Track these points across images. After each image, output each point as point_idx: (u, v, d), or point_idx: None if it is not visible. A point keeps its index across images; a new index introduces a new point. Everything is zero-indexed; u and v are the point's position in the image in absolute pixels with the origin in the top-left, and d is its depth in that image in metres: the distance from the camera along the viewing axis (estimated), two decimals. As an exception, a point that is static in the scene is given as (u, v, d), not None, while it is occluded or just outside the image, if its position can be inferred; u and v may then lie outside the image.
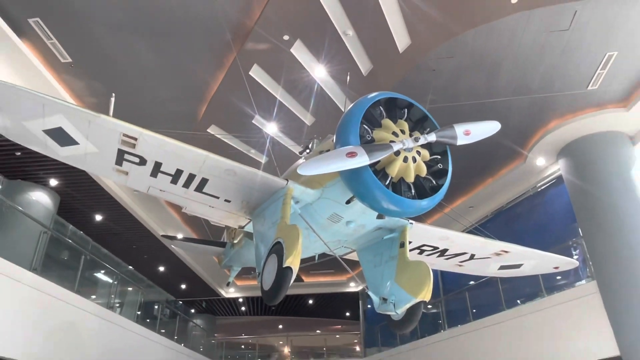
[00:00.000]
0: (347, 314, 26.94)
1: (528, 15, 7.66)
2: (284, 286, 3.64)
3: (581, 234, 10.16)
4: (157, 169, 4.09)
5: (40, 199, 12.24)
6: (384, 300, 4.61)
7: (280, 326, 29.76)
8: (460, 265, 5.99)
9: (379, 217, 4.36)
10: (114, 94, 5.08)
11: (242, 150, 11.39)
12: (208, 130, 10.51)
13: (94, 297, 11.65)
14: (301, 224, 4.17)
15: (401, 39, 8.40)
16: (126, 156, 3.93)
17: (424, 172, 3.80)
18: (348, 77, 8.65)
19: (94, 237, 13.79)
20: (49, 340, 8.58)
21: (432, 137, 3.67)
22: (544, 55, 8.51)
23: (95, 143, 3.81)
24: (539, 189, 12.56)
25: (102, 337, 10.51)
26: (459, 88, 9.32)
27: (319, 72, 9.09)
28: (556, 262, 6.09)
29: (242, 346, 24.61)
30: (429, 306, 14.84)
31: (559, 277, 10.65)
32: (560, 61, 8.61)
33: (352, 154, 3.35)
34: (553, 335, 9.86)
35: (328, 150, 4.22)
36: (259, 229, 4.57)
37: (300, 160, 5.30)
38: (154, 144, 3.84)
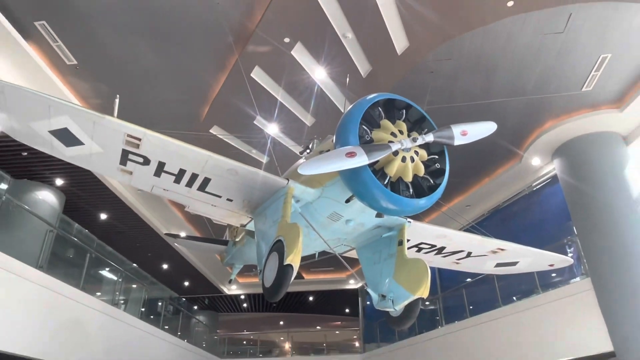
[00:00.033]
0: (347, 310, 26.95)
1: (524, 18, 7.66)
2: (285, 283, 3.64)
3: (576, 232, 10.17)
4: (160, 168, 4.09)
5: (46, 198, 12.24)
6: (383, 297, 4.62)
7: (281, 322, 29.77)
8: (457, 263, 6.00)
9: (378, 215, 4.37)
10: (118, 96, 5.08)
11: (244, 150, 11.39)
12: (210, 130, 10.50)
13: (99, 294, 11.66)
14: (302, 223, 4.16)
15: (399, 41, 8.40)
16: (130, 156, 3.94)
17: (421, 171, 3.80)
18: (347, 79, 8.66)
19: (99, 235, 13.81)
20: (55, 336, 8.59)
21: (429, 138, 3.67)
22: (540, 57, 8.51)
23: (100, 143, 3.81)
24: (535, 188, 12.56)
25: (107, 333, 10.52)
26: (456, 89, 9.32)
27: (319, 73, 9.09)
28: (551, 260, 6.10)
29: (244, 342, 24.60)
30: (427, 303, 14.83)
31: (554, 275, 10.66)
32: (556, 63, 8.61)
33: (351, 154, 3.36)
34: (548, 331, 9.87)
35: (328, 151, 4.22)
36: (261, 228, 4.57)
37: (301, 160, 5.29)
38: (157, 144, 3.84)
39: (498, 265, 6.05)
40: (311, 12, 7.76)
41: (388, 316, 4.81)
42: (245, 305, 26.75)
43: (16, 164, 11.19)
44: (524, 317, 10.57)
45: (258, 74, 9.18)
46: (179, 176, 4.20)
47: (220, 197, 4.53)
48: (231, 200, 4.60)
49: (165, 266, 19.67)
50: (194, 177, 4.21)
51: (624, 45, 8.16)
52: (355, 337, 22.45)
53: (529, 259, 5.96)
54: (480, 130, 3.90)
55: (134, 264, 15.23)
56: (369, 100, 3.82)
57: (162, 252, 17.49)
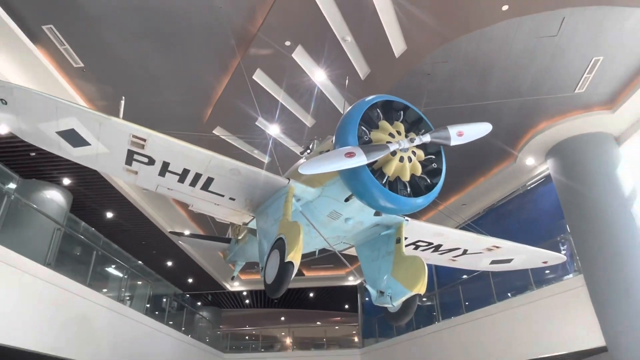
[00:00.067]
0: (346, 306, 26.94)
1: (518, 21, 7.66)
2: (286, 280, 3.65)
3: (569, 230, 10.17)
4: (165, 168, 4.09)
5: (54, 198, 12.24)
6: (381, 293, 4.62)
7: (283, 318, 29.76)
8: (453, 260, 6.00)
9: (377, 214, 4.37)
10: (123, 97, 5.07)
11: (246, 150, 11.39)
12: (213, 131, 10.50)
13: (105, 290, 11.65)
14: (302, 221, 4.17)
15: (397, 45, 8.40)
16: (135, 156, 3.94)
17: (419, 171, 3.80)
18: (347, 81, 8.67)
19: (105, 233, 13.84)
20: (63, 331, 8.60)
21: (426, 138, 3.67)
22: (534, 59, 8.50)
23: (106, 144, 3.81)
24: (529, 188, 12.56)
25: (113, 329, 10.52)
26: (453, 91, 9.32)
27: (319, 76, 9.08)
28: (545, 257, 6.10)
29: (246, 337, 24.59)
30: (424, 299, 14.85)
31: (547, 271, 10.66)
32: (549, 65, 8.61)
33: (350, 154, 3.36)
34: (542, 326, 9.87)
35: (328, 151, 4.22)
36: (262, 226, 4.57)
37: (301, 160, 5.30)
38: (162, 144, 3.84)
39: (493, 262, 6.05)
40: (311, 16, 7.76)
41: (386, 312, 4.81)
42: (247, 301, 26.75)
43: (25, 164, 11.20)
44: (518, 313, 10.58)
45: (260, 77, 9.18)
46: (183, 176, 4.20)
47: (223, 196, 4.53)
48: (234, 199, 4.60)
49: (169, 263, 19.66)
50: (197, 176, 4.21)
51: (616, 48, 8.16)
52: (354, 332, 22.45)
53: (523, 256, 5.97)
54: (476, 130, 3.91)
55: (139, 261, 15.23)
56: (367, 101, 3.82)
57: (166, 249, 17.50)
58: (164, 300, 15.97)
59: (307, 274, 21.66)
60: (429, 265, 4.76)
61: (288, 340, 22.92)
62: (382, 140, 3.69)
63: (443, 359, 12.82)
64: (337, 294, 24.29)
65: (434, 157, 3.99)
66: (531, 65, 8.63)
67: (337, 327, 26.94)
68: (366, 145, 3.58)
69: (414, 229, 5.16)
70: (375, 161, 3.59)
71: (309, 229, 4.47)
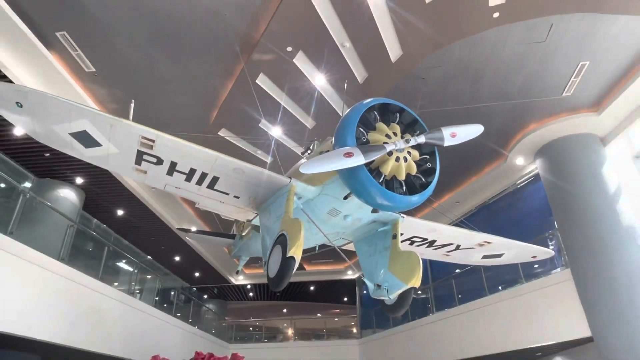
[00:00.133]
0: (345, 299, 26.95)
1: (509, 28, 7.65)
2: (288, 274, 3.65)
3: (556, 227, 10.16)
4: (172, 168, 4.09)
5: (67, 196, 12.25)
6: (378, 286, 4.62)
7: (285, 310, 29.76)
8: (447, 255, 6.00)
9: (374, 211, 4.36)
10: (133, 100, 5.08)
11: (250, 151, 11.38)
12: (219, 133, 10.49)
13: (116, 284, 11.66)
14: (303, 218, 4.17)
15: (393, 50, 8.39)
16: (145, 157, 3.94)
17: (414, 170, 3.80)
18: (345, 85, 8.66)
19: (116, 230, 13.81)
20: (75, 323, 8.60)
21: (421, 139, 3.68)
22: (523, 64, 8.49)
23: (117, 145, 3.81)
24: (519, 186, 12.55)
25: (124, 321, 10.53)
26: (446, 94, 9.31)
27: (319, 80, 9.07)
28: (534, 252, 6.10)
29: (250, 328, 24.62)
30: (419, 292, 14.84)
31: (536, 266, 10.67)
32: (538, 70, 8.60)
33: (349, 154, 3.36)
34: (531, 318, 9.87)
35: (327, 151, 4.22)
36: (265, 223, 4.57)
37: (302, 160, 5.29)
38: (170, 145, 3.84)
39: (485, 257, 6.05)
40: (312, 23, 7.75)
41: (383, 304, 4.82)
42: (251, 294, 26.75)
43: (40, 164, 11.20)
44: (508, 305, 10.59)
45: (263, 81, 9.17)
46: (189, 175, 4.20)
47: (228, 194, 4.53)
48: (238, 197, 4.60)
49: (177, 258, 19.67)
50: (203, 175, 4.21)
51: (602, 53, 8.14)
52: (353, 323, 22.46)
53: (513, 251, 5.97)
54: (468, 132, 3.91)
55: (149, 256, 15.23)
56: (365, 104, 3.82)
57: (174, 245, 17.50)
58: (172, 293, 15.98)
59: (308, 268, 21.67)
60: (424, 260, 4.76)
61: (290, 331, 22.95)
62: (379, 141, 3.69)
63: (437, 349, 12.84)
64: (337, 287, 24.30)
65: (428, 157, 3.99)
66: (521, 69, 8.62)
67: (336, 319, 26.95)
68: (364, 145, 3.58)
69: (410, 226, 5.16)
70: (373, 161, 3.60)
71: (310, 226, 4.47)
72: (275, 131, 10.58)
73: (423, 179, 3.92)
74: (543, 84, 8.95)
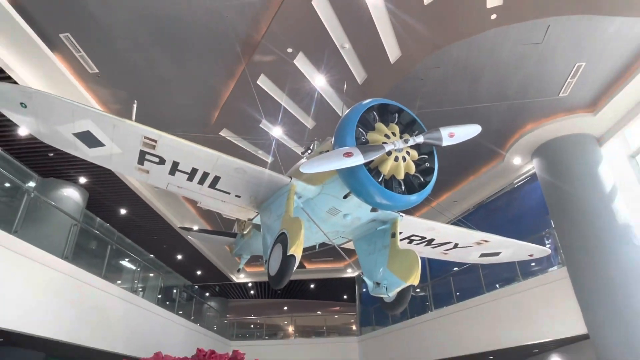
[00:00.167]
0: (345, 296, 26.94)
1: (506, 29, 7.65)
2: (288, 272, 3.64)
3: (553, 225, 10.17)
4: (174, 168, 4.09)
5: (71, 195, 12.25)
6: (378, 284, 4.62)
7: (285, 308, 29.76)
8: (445, 253, 6.00)
9: (373, 210, 4.35)
10: (136, 101, 5.08)
11: (251, 151, 11.38)
12: (220, 133, 10.49)
13: (119, 282, 11.68)
14: (303, 217, 4.16)
15: (392, 51, 8.39)
16: (147, 156, 3.93)
17: (412, 170, 3.80)
18: (345, 86, 8.65)
19: (119, 228, 13.85)
20: (79, 320, 8.61)
21: (420, 139, 3.68)
22: (521, 65, 8.49)
23: (120, 145, 3.81)
24: (516, 185, 12.55)
25: (127, 318, 10.53)
26: (445, 95, 9.30)
27: (319, 81, 9.07)
28: (531, 251, 6.09)
29: (252, 325, 24.64)
30: (418, 290, 14.84)
31: (533, 264, 10.66)
32: (535, 70, 8.60)
33: (348, 154, 3.36)
34: (528, 315, 9.88)
35: (327, 151, 4.21)
36: (266, 221, 4.57)
37: (303, 160, 5.29)
38: (172, 145, 3.84)
39: (482, 255, 6.05)
40: (312, 25, 7.75)
41: (382, 302, 4.81)
42: (252, 292, 26.75)
43: (43, 164, 11.20)
44: (505, 303, 10.59)
45: (263, 81, 9.17)
46: (191, 175, 4.20)
47: (229, 193, 4.52)
48: (239, 197, 4.60)
49: (179, 257, 19.67)
50: (205, 175, 4.20)
51: (597, 55, 8.14)
52: (352, 321, 22.46)
53: (511, 249, 5.96)
54: (466, 132, 3.90)
55: (151, 255, 15.25)
56: (364, 105, 3.82)
57: (176, 244, 17.49)
58: (174, 291, 15.99)
59: (308, 266, 21.68)
60: (422, 258, 4.76)
61: (290, 329, 22.94)
62: (378, 141, 3.69)
63: (435, 346, 12.84)
64: (336, 285, 24.30)
65: (426, 156, 3.99)
66: (518, 70, 8.62)
67: (336, 316, 26.98)
68: (363, 145, 3.58)
69: (408, 224, 5.16)
70: (372, 161, 3.60)
71: (310, 225, 4.46)
72: (276, 131, 10.58)
73: (421, 179, 3.92)
74: (540, 84, 8.95)
